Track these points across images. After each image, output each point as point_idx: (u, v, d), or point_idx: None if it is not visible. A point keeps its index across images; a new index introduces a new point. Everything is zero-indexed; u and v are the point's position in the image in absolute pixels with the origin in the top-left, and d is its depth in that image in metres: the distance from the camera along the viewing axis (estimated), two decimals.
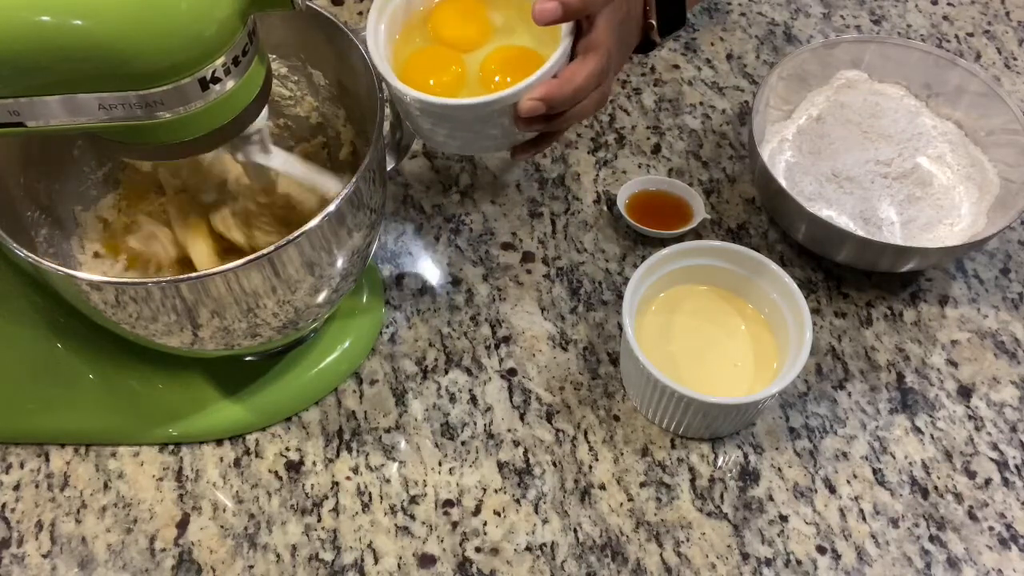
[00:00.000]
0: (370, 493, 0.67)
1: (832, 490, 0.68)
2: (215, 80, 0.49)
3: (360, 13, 0.95)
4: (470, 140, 0.64)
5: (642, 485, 0.67)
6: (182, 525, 0.65)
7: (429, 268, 0.78)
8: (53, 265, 0.54)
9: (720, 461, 0.69)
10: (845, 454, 0.69)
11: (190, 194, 0.66)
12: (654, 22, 0.63)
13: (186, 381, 0.69)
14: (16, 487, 0.67)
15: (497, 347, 0.73)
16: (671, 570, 0.64)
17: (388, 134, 0.67)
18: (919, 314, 0.76)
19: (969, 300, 0.77)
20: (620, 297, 0.75)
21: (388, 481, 0.67)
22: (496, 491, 0.67)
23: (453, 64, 0.66)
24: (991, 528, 0.66)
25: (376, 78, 0.61)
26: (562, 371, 0.72)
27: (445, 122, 0.62)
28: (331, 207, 0.55)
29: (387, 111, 0.62)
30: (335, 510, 0.66)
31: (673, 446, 0.69)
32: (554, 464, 0.68)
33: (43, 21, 0.44)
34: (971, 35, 0.96)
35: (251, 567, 0.64)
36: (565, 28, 0.61)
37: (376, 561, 0.64)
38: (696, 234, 0.79)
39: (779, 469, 0.68)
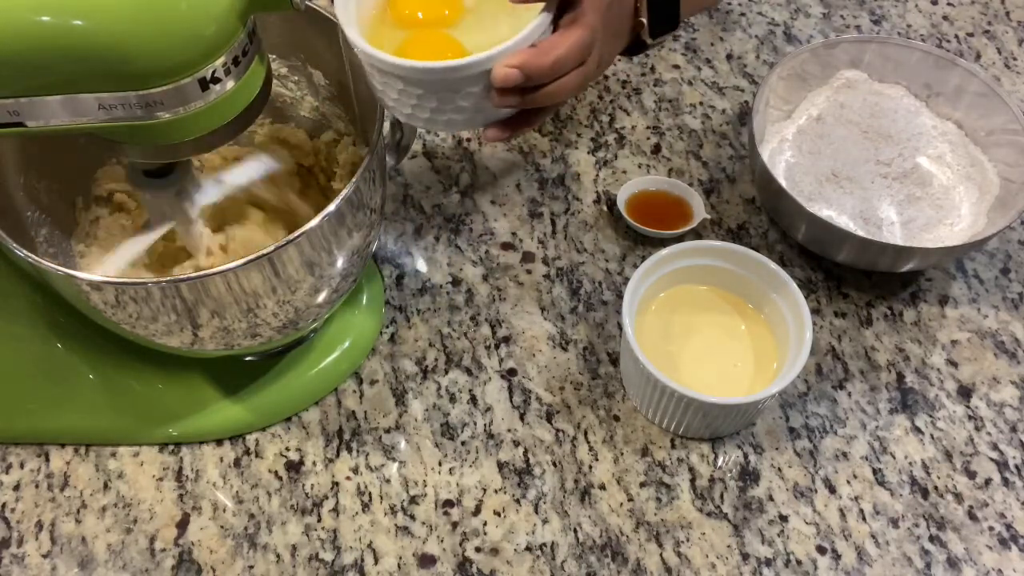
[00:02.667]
0: (370, 493, 0.67)
1: (832, 490, 0.68)
2: (215, 80, 0.49)
3: None
4: (438, 112, 0.58)
5: (642, 485, 0.67)
6: (182, 525, 0.65)
7: (429, 268, 0.78)
8: (53, 265, 0.54)
9: (720, 461, 0.69)
10: (845, 454, 0.69)
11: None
12: (644, 20, 0.61)
13: (186, 381, 0.69)
14: (16, 487, 0.67)
15: (497, 347, 0.73)
16: (671, 570, 0.64)
17: (388, 134, 0.67)
18: (919, 314, 0.76)
19: (969, 300, 0.77)
20: (620, 297, 0.75)
21: (388, 481, 0.67)
22: (496, 491, 0.67)
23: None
24: (991, 528, 0.66)
25: (343, 42, 0.57)
26: (562, 371, 0.72)
27: (412, 88, 0.56)
28: (331, 207, 0.55)
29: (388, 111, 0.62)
30: (335, 510, 0.66)
31: (673, 446, 0.69)
32: (554, 464, 0.68)
33: (43, 21, 0.44)
34: (971, 35, 0.96)
35: (251, 567, 0.64)
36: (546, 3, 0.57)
37: (376, 561, 0.64)
38: (696, 234, 0.79)
39: (779, 469, 0.68)
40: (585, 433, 0.69)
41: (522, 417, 0.70)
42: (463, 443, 0.69)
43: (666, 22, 0.62)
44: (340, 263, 0.60)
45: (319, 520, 0.65)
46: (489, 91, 0.55)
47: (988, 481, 0.68)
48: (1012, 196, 0.75)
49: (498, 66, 0.53)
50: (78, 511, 0.66)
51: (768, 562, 0.64)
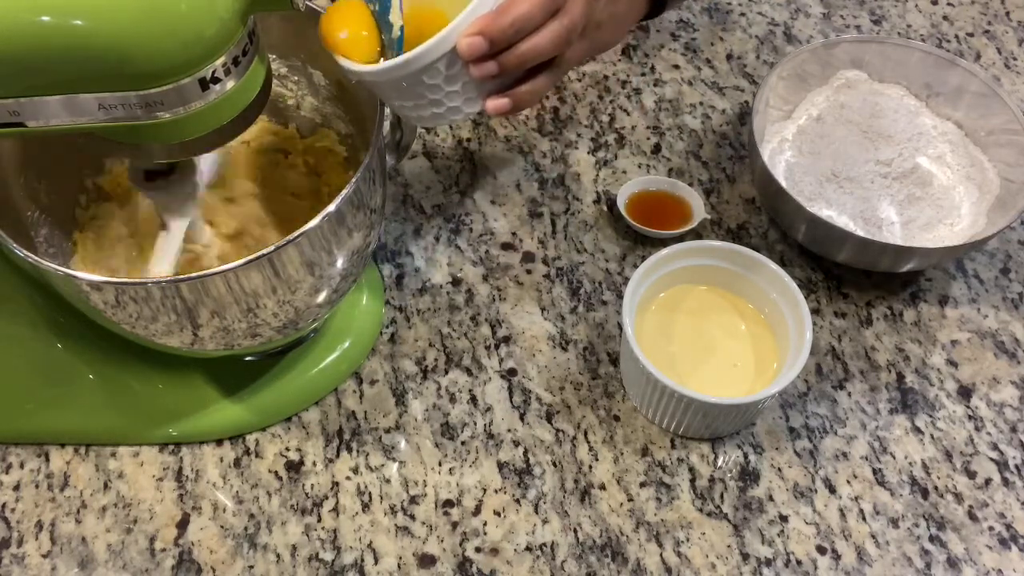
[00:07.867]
0: (370, 493, 0.67)
1: (832, 490, 0.68)
2: (215, 80, 0.49)
3: None
4: (433, 104, 0.58)
5: (642, 485, 0.67)
6: (182, 525, 0.65)
7: (429, 268, 0.78)
8: (53, 265, 0.54)
9: (720, 461, 0.69)
10: (845, 454, 0.69)
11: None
12: None
13: (186, 381, 0.69)
14: (16, 487, 0.67)
15: (497, 347, 0.73)
16: (671, 570, 0.64)
17: (388, 134, 0.67)
18: (919, 314, 0.76)
19: (969, 300, 0.77)
20: (620, 297, 0.75)
21: (388, 481, 0.67)
22: (496, 491, 0.67)
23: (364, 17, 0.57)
24: (991, 528, 0.66)
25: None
26: (562, 371, 0.72)
27: (392, 89, 0.56)
28: (331, 207, 0.55)
29: (387, 111, 0.62)
30: (335, 510, 0.66)
31: (673, 446, 0.69)
32: (554, 464, 0.68)
33: (43, 21, 0.44)
34: (971, 35, 0.96)
35: (251, 567, 0.64)
36: None
37: (376, 561, 0.64)
38: (696, 234, 0.79)
39: (779, 469, 0.68)
40: (585, 433, 0.69)
41: (522, 417, 0.70)
42: (463, 443, 0.69)
43: None
44: (340, 263, 0.60)
45: (319, 520, 0.65)
46: (466, 67, 0.55)
47: (988, 481, 0.68)
48: (1012, 196, 0.75)
49: (461, 39, 0.53)
50: (78, 511, 0.66)
51: (768, 562, 0.64)
